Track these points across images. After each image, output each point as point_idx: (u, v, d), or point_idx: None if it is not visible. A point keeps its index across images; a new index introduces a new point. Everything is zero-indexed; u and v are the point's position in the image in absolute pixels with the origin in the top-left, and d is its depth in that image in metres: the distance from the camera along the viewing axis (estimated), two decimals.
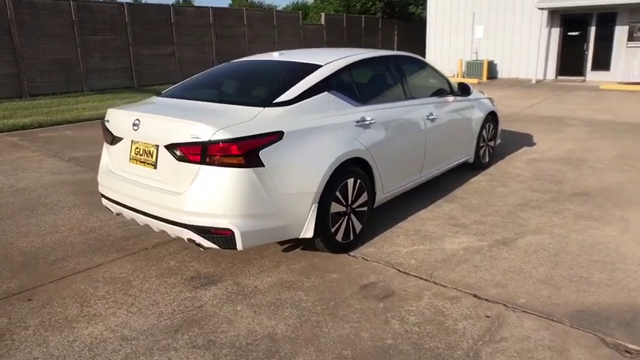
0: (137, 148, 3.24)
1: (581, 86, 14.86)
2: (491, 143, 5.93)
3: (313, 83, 3.40)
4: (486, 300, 2.94)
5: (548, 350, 2.45)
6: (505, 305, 2.87)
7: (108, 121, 3.47)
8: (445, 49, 19.58)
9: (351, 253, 3.58)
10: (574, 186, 5.13)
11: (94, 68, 14.83)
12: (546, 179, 5.40)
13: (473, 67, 18.16)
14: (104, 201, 3.62)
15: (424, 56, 24.44)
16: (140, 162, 3.21)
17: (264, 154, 2.90)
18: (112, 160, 3.48)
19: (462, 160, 5.30)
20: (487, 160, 5.87)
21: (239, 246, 2.91)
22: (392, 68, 4.29)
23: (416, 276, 3.24)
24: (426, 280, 3.19)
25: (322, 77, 3.48)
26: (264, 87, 3.71)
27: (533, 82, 15.89)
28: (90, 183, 5.49)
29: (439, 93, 4.82)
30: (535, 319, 2.72)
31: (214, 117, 2.98)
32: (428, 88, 4.73)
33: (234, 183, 2.84)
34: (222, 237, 2.90)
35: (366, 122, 3.64)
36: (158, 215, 3.07)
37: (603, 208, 4.43)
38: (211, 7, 17.81)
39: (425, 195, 4.80)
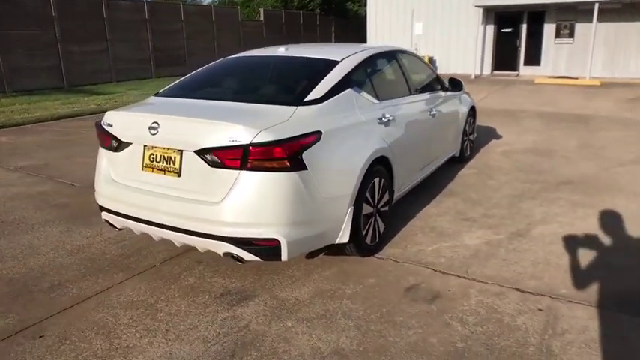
0: (153, 154, 2.89)
1: (517, 80, 15.81)
2: (471, 137, 6.07)
3: (337, 80, 3.24)
4: (530, 293, 2.95)
5: (611, 338, 2.49)
6: (550, 297, 2.90)
7: (110, 124, 3.07)
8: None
9: (378, 256, 3.47)
10: (555, 176, 5.38)
11: (18, 67, 13.44)
12: (527, 170, 5.62)
13: None
14: (105, 215, 3.21)
15: None
16: (158, 170, 2.88)
17: (306, 157, 2.70)
18: (117, 168, 3.09)
19: (452, 154, 5.37)
20: (469, 153, 6.01)
21: (284, 256, 2.70)
22: (397, 63, 4.22)
23: (453, 274, 3.19)
24: (464, 277, 3.16)
25: (344, 73, 3.33)
26: (285, 84, 3.49)
27: (472, 77, 16.66)
28: (53, 195, 4.93)
29: (434, 88, 4.83)
30: (584, 308, 2.77)
31: (249, 117, 2.73)
32: (426, 83, 4.72)
33: (279, 189, 2.62)
34: (266, 248, 2.67)
35: (386, 119, 3.54)
36: (186, 228, 2.76)
37: (592, 196, 4.67)
38: (147, 1, 16.82)
39: (422, 191, 4.79)
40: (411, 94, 4.20)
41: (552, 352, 2.40)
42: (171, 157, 2.82)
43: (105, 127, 3.10)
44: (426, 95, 4.50)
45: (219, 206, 2.65)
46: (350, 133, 3.09)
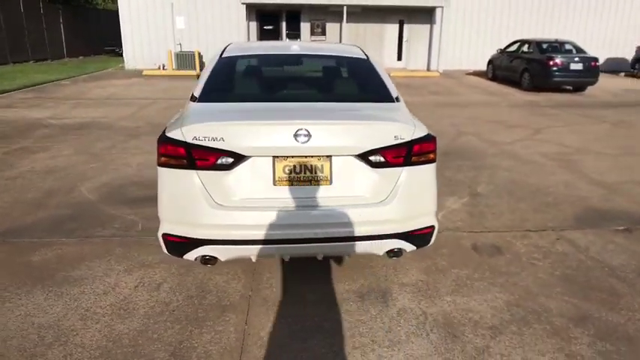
0: (288, 165, 2.59)
1: None
2: None
3: (388, 77, 3.48)
4: (538, 231, 4.00)
5: (612, 244, 3.74)
6: (551, 230, 4.01)
7: (217, 138, 2.51)
8: (145, 42, 18.71)
9: None
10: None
11: None
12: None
13: (183, 59, 18.14)
14: (204, 249, 2.62)
15: (118, 46, 22.42)
16: (300, 181, 2.61)
17: None
18: (227, 189, 2.58)
19: None
20: None
21: (432, 240, 2.92)
22: None
23: (482, 232, 3.98)
24: (490, 231, 3.98)
25: (384, 71, 3.58)
26: (359, 83, 3.44)
27: None
28: None
29: None
30: (572, 232, 3.98)
31: (395, 116, 2.81)
32: None
33: (431, 179, 2.83)
34: (424, 235, 2.84)
35: None
36: (343, 236, 2.64)
37: (473, 160, 6.16)
38: None
39: None
40: None
41: (598, 260, 3.48)
42: (317, 166, 2.61)
43: (205, 142, 2.52)
44: None
45: (385, 205, 2.66)
46: None
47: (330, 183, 2.65)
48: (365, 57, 3.69)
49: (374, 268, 3.31)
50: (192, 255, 2.67)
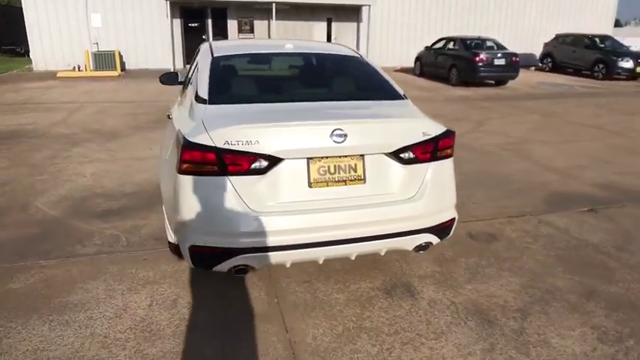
0: (323, 166, 2.54)
1: None
2: None
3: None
4: (519, 216, 4.28)
5: (586, 224, 4.10)
6: (530, 215, 4.31)
7: (252, 141, 2.38)
8: (57, 41, 17.16)
9: None
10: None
11: None
12: None
13: (102, 59, 16.92)
14: (240, 259, 2.49)
15: (19, 45, 20.41)
16: (335, 182, 2.56)
17: None
18: (260, 194, 2.47)
19: None
20: None
21: (452, 232, 3.01)
22: None
23: (472, 220, 4.17)
24: (480, 220, 4.20)
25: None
26: (362, 80, 3.40)
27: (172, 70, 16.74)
28: None
29: None
30: (549, 215, 4.32)
31: (416, 113, 2.84)
32: None
33: (451, 173, 2.93)
34: (448, 227, 2.93)
35: None
36: (378, 234, 2.64)
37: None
38: None
39: None
40: None
41: (581, 239, 3.81)
42: (351, 165, 2.58)
43: (239, 147, 2.38)
44: None
45: (416, 201, 2.71)
46: None
47: (364, 182, 2.63)
48: (359, 55, 3.70)
49: (387, 264, 3.34)
50: (225, 266, 2.53)
